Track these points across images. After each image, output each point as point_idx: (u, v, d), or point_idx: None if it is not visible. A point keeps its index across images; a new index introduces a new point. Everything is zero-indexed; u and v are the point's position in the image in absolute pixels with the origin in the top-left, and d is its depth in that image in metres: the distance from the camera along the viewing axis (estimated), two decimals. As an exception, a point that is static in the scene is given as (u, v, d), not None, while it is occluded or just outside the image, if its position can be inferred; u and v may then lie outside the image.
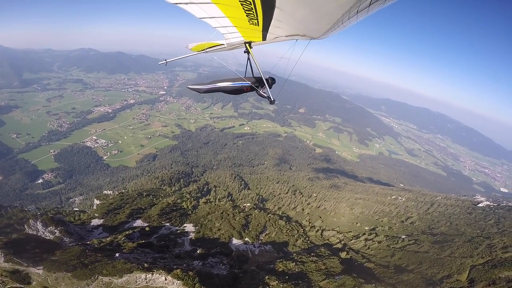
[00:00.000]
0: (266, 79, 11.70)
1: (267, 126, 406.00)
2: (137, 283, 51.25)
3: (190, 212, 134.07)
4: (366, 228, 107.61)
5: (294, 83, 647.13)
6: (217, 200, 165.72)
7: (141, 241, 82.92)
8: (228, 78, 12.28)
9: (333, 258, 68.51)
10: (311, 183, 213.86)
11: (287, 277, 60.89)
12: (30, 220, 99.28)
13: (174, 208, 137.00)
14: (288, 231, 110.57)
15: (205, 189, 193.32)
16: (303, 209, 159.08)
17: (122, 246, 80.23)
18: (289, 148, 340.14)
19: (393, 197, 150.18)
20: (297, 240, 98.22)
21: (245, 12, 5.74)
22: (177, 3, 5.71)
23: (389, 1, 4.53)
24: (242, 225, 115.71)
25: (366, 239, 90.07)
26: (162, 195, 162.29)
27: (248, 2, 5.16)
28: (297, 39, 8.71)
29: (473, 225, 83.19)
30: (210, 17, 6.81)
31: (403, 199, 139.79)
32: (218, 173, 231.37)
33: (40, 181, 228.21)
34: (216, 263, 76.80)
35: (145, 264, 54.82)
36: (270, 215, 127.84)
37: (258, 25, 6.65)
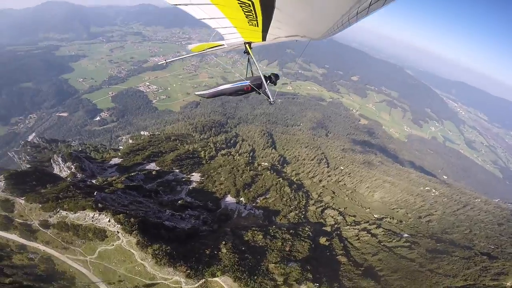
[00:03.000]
0: (269, 76, 11.26)
1: (312, 88, 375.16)
2: (85, 220, 50.45)
3: (204, 162, 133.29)
4: (375, 216, 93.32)
5: (351, 49, 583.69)
6: (237, 154, 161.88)
7: (130, 184, 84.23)
8: (229, 81, 12.24)
9: (306, 241, 59.55)
10: (343, 155, 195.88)
11: (243, 248, 54.72)
12: (54, 155, 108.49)
13: (191, 156, 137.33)
14: (288, 200, 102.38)
15: (232, 141, 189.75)
16: (320, 180, 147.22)
17: (113, 186, 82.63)
18: (331, 114, 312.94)
19: (426, 188, 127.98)
20: (291, 211, 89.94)
21: (244, 13, 5.56)
22: (177, 4, 5.59)
23: (389, 2, 4.24)
24: (245, 184, 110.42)
25: (363, 229, 77.49)
26: (188, 142, 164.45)
27: (247, 4, 4.99)
28: (297, 40, 8.66)
29: (492, 239, 66.38)
30: (210, 18, 6.65)
31: (436, 193, 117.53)
32: (249, 127, 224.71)
33: (98, 118, 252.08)
34: (191, 216, 74.27)
35: (100, 204, 53.42)
36: (280, 179, 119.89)
37: (257, 26, 6.36)
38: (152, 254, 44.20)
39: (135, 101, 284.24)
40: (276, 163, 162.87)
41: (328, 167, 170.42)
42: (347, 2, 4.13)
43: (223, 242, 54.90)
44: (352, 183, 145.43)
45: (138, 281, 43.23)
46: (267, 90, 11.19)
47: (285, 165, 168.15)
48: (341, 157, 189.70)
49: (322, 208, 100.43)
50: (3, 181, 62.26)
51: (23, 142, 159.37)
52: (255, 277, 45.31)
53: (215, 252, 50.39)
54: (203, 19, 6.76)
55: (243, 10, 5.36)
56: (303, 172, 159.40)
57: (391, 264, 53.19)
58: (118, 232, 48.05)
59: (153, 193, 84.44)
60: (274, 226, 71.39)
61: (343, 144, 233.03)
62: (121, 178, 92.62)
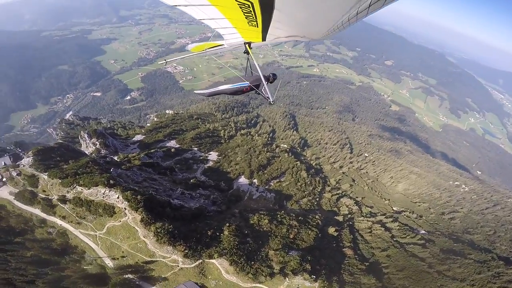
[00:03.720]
0: (268, 76, 11.15)
1: (340, 71, 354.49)
2: (97, 196, 52.00)
3: (223, 141, 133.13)
4: (394, 208, 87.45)
5: (386, 32, 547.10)
6: (257, 134, 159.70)
7: (147, 161, 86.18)
8: (228, 81, 11.99)
9: (313, 230, 57.07)
10: (369, 141, 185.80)
11: (247, 231, 53.80)
12: (81, 132, 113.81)
13: (210, 135, 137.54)
14: (303, 185, 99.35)
15: (253, 121, 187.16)
16: (341, 167, 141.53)
17: (131, 162, 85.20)
18: (360, 98, 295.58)
19: (455, 183, 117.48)
20: (304, 197, 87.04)
21: (244, 14, 5.51)
22: (176, 5, 5.60)
23: (388, 2, 4.24)
24: (260, 165, 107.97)
25: (378, 221, 72.78)
26: (210, 121, 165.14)
27: (247, 5, 4.96)
28: (297, 40, 8.50)
29: (518, 243, 57.85)
30: (210, 19, 6.57)
31: (466, 189, 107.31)
32: (271, 108, 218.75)
33: (128, 98, 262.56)
34: (201, 195, 74.62)
35: (111, 181, 54.82)
36: (298, 163, 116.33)
37: (257, 27, 6.32)
38: (154, 232, 44.76)
39: (163, 81, 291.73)
40: (296, 146, 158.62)
41: (351, 153, 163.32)
42: (347, 2, 4.05)
43: (227, 224, 54.19)
44: (375, 171, 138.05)
45: (139, 257, 44.43)
46: (267, 90, 10.91)
47: (305, 148, 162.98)
48: (366, 143, 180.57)
49: (338, 196, 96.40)
50: (31, 157, 65.98)
51: (59, 120, 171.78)
52: (252, 262, 44.40)
53: (217, 234, 50.02)
54: (203, 19, 6.60)
55: (242, 11, 5.27)
56: (323, 156, 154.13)
57: (399, 261, 49.53)
58: (125, 208, 49.04)
59: (169, 170, 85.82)
60: (283, 211, 69.49)
61: (370, 129, 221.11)
62: (140, 155, 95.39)
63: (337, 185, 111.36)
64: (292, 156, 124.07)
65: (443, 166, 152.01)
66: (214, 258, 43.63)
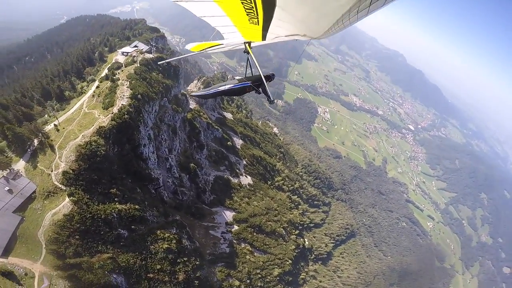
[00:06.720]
0: (268, 76, 11.40)
1: (451, 241, 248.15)
2: (121, 92, 59.69)
3: (269, 183, 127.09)
4: None
5: None
6: (300, 211, 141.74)
7: (194, 123, 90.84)
8: (228, 81, 12.17)
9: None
10: None
11: (135, 227, 48.38)
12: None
13: (268, 169, 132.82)
14: (258, 277, 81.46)
15: (315, 203, 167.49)
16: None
17: (186, 113, 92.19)
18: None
19: None
20: (240, 281, 70.04)
21: (245, 10, 5.50)
22: (177, 1, 5.70)
23: (389, 1, 4.24)
24: (260, 226, 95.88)
25: None
26: (287, 164, 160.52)
27: (249, 1, 4.92)
28: (297, 39, 8.52)
29: None
30: (210, 16, 6.68)
31: None
32: (346, 211, 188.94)
33: (276, 101, 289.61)
34: (178, 178, 72.54)
35: (139, 96, 61.07)
36: (289, 262, 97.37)
37: (258, 25, 6.31)
38: (90, 140, 46.75)
39: (304, 112, 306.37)
40: (314, 252, 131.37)
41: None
42: (348, 0, 4.02)
43: (136, 206, 50.32)
44: None
45: (61, 140, 48.59)
46: (267, 89, 10.86)
47: (319, 262, 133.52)
48: None
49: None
50: (152, 56, 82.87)
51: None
52: (78, 237, 38.89)
53: (116, 200, 47.34)
54: (203, 17, 6.50)
55: (244, 7, 5.22)
56: (320, 281, 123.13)
57: None
58: (112, 113, 53.37)
59: (198, 144, 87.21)
60: (198, 260, 58.33)
61: None
62: (202, 117, 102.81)
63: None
64: (295, 254, 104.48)
65: None
66: (68, 198, 41.14)
